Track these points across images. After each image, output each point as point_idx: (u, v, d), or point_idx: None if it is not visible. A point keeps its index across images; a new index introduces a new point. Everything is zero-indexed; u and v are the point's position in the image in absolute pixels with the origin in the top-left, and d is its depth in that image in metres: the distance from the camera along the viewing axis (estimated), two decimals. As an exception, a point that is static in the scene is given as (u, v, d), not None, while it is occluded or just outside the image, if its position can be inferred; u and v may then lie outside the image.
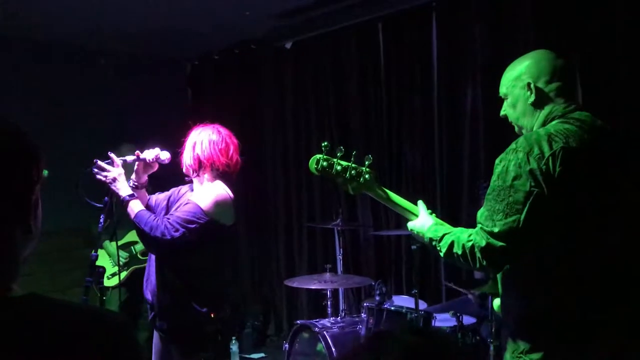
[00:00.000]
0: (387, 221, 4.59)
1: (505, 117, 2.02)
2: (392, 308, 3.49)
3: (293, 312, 5.32)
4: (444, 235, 1.90)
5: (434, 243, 1.92)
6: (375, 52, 4.63)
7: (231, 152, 2.74)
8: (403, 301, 3.80)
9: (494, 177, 1.80)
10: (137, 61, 5.71)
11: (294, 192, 5.35)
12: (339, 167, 2.00)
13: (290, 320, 5.22)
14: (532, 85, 1.90)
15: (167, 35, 5.18)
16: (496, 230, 1.73)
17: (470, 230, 1.84)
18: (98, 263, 2.64)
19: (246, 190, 5.73)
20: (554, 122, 1.85)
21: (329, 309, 4.06)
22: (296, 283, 3.99)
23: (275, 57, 5.39)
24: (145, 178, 2.84)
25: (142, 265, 4.01)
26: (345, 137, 4.88)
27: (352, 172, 2.00)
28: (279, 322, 5.54)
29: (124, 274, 4.33)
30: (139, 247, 4.32)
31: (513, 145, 1.79)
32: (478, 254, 1.76)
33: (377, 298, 3.57)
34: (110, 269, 4.33)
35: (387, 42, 4.57)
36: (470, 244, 1.78)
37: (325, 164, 2.00)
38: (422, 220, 2.01)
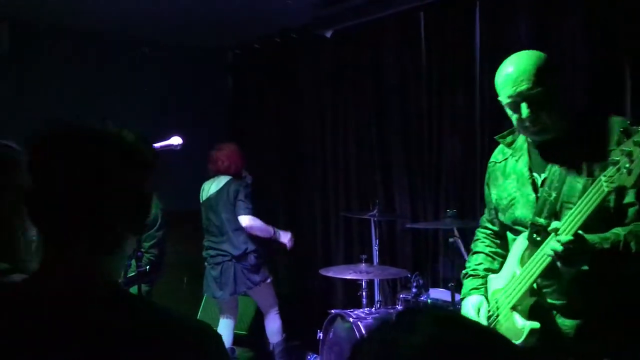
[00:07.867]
0: (424, 213, 4.54)
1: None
2: (429, 301, 3.48)
3: (328, 301, 5.34)
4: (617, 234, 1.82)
5: (622, 244, 1.79)
6: (417, 42, 4.56)
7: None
8: (440, 294, 3.77)
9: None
10: (178, 50, 5.78)
11: (331, 181, 5.35)
12: None
13: (324, 309, 5.24)
14: None
15: (209, 24, 5.23)
16: None
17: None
18: None
19: (283, 178, 5.77)
20: None
21: (364, 300, 4.07)
22: (331, 272, 4.01)
23: (315, 46, 5.38)
24: None
25: None
26: (383, 127, 4.85)
27: None
28: (313, 311, 5.57)
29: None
30: None
31: None
32: None
33: (414, 290, 3.57)
34: None
35: (429, 31, 4.50)
36: None
37: None
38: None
